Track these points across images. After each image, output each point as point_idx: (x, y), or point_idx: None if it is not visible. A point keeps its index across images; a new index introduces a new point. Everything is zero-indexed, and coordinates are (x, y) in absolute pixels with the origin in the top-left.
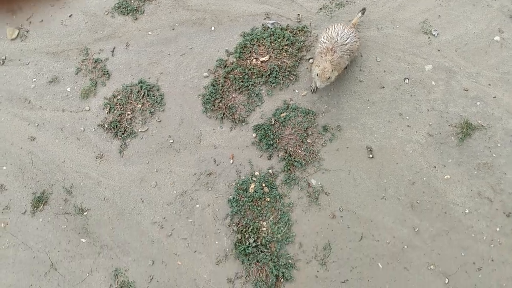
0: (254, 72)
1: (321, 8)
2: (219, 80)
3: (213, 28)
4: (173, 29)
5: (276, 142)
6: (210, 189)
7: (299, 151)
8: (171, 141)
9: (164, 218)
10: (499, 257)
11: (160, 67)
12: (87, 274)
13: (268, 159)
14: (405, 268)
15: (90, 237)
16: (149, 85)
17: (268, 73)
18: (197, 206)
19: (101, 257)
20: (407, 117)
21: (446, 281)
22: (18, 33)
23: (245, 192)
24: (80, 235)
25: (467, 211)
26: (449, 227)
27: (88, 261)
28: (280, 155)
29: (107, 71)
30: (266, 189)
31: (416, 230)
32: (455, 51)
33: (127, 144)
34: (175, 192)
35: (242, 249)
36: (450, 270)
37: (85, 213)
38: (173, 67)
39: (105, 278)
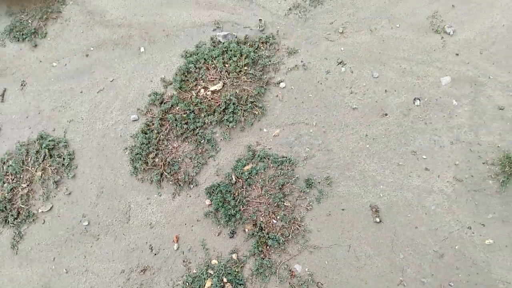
0: (203, 108)
1: (290, 9)
2: (153, 124)
3: (142, 49)
4: (87, 55)
5: (239, 210)
6: None
7: (274, 221)
8: (85, 223)
9: None
10: None
11: (69, 112)
12: None
13: (230, 237)
14: None
15: None
16: (53, 140)
17: (223, 107)
18: None
19: None
20: (423, 156)
21: None
22: None
23: None
24: None
25: None
26: None
27: None
28: (247, 230)
29: None
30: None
31: None
32: (479, 53)
33: (22, 233)
34: None
35: None
36: None
37: None
38: (87, 110)
39: None
